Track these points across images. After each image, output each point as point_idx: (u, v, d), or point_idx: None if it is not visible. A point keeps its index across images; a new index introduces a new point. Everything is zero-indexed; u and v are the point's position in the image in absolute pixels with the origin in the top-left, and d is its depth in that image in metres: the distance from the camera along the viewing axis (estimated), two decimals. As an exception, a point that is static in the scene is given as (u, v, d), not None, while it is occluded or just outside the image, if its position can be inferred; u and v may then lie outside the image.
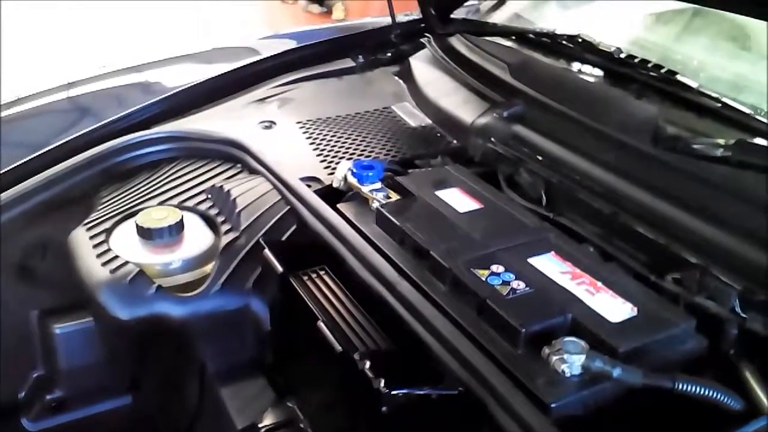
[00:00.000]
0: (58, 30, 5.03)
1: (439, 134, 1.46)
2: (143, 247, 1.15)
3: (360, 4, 5.42)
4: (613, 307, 0.86)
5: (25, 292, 1.22)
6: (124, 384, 1.22)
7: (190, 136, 1.40)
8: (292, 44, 1.79)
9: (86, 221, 1.21)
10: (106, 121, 1.44)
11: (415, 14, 1.77)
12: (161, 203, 1.24)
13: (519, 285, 0.89)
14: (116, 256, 1.11)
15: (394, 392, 0.78)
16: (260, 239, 1.12)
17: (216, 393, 1.11)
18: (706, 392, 0.76)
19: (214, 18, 5.44)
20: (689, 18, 1.56)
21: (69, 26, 5.10)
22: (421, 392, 0.79)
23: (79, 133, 1.40)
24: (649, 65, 1.27)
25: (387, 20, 1.75)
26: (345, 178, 1.17)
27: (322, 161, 1.34)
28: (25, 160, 1.33)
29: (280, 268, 1.03)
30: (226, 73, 1.63)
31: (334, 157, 1.36)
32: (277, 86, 1.64)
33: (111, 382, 1.21)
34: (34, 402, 1.20)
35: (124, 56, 1.77)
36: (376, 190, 1.12)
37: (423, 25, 1.72)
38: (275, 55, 1.71)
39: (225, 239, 1.15)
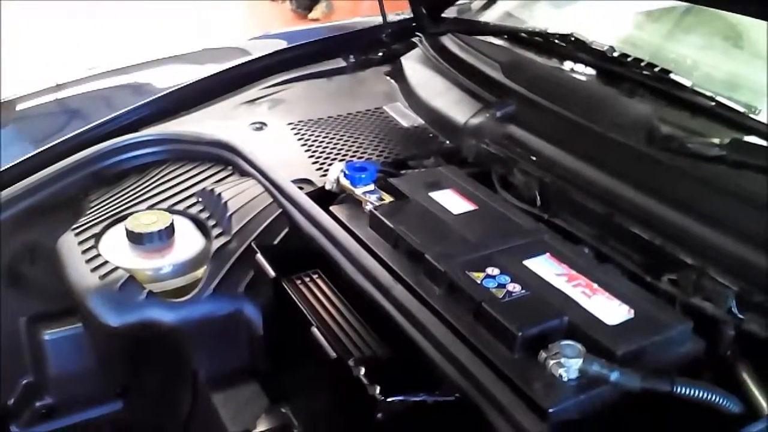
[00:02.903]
0: (57, 29, 4.99)
1: (431, 135, 1.45)
2: (133, 252, 1.14)
3: (350, 3, 5.40)
4: (609, 310, 0.85)
5: (13, 298, 1.21)
6: (114, 390, 1.21)
7: (180, 139, 1.39)
8: (282, 44, 1.78)
9: (75, 226, 1.19)
10: (93, 124, 1.43)
11: (406, 13, 1.76)
12: (151, 207, 1.23)
13: (515, 288, 0.88)
14: (106, 262, 1.10)
15: (389, 399, 0.77)
16: (252, 243, 1.11)
17: (208, 399, 1.10)
18: (705, 395, 0.76)
19: (196, 18, 5.40)
20: (680, 16, 1.55)
21: (68, 26, 5.06)
22: (417, 399, 0.78)
23: (67, 137, 1.39)
24: (642, 64, 1.26)
25: (378, 20, 1.74)
26: (337, 180, 1.16)
27: (314, 163, 1.33)
28: (11, 164, 1.31)
29: (272, 273, 1.02)
30: (215, 74, 1.62)
31: (326, 158, 1.35)
32: (268, 87, 1.63)
33: (101, 389, 1.20)
34: (24, 408, 1.19)
35: (115, 57, 1.75)
36: (369, 192, 1.11)
37: (414, 24, 1.70)
38: (265, 55, 1.70)
39: (216, 243, 1.14)
